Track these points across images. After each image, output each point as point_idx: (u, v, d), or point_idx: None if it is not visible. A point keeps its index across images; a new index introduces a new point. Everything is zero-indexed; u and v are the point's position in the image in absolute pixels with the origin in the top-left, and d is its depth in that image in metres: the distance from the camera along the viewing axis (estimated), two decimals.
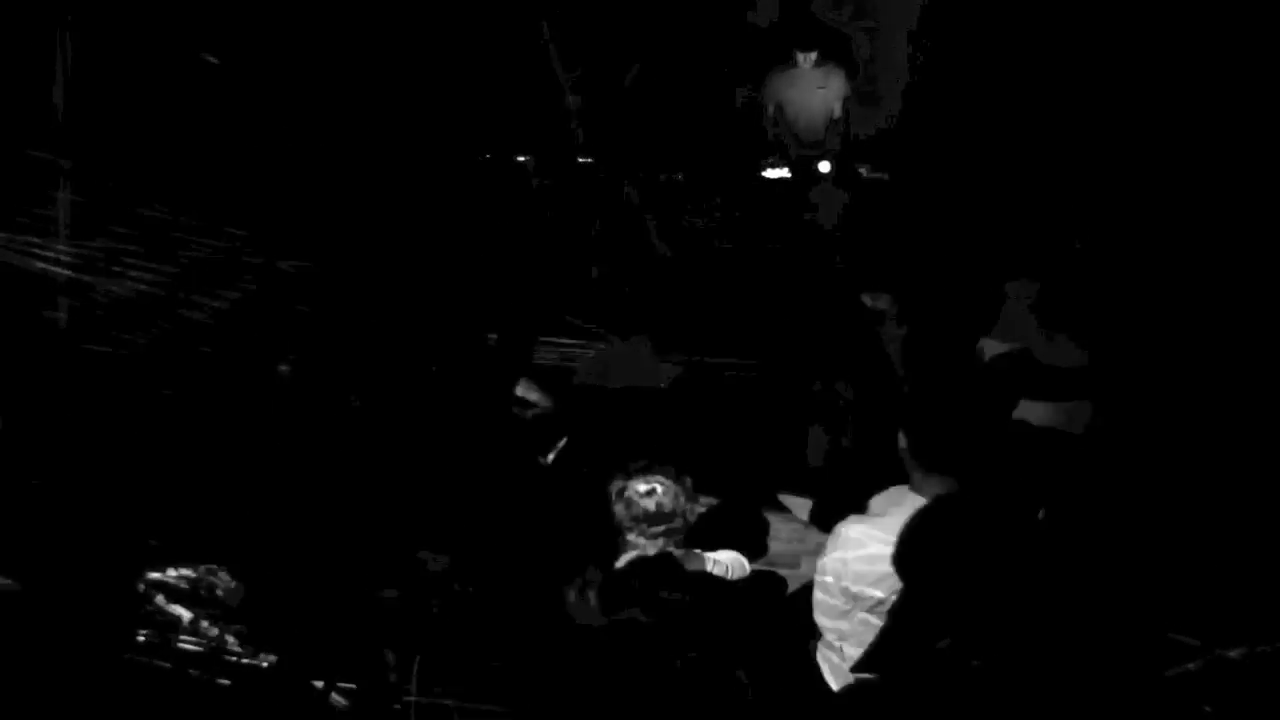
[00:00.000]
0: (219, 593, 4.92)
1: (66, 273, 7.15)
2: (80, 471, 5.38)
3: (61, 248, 7.18)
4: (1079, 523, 5.89)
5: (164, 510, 5.31)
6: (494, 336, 6.91)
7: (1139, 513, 5.74)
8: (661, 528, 4.68)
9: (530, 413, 6.34)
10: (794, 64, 8.53)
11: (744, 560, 4.99)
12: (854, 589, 4.48)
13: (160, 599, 4.90)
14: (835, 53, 8.64)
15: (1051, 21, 8.19)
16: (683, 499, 4.72)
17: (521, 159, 8.66)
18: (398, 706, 4.58)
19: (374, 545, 5.33)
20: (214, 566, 5.02)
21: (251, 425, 6.02)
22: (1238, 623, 5.00)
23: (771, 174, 8.75)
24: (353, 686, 4.68)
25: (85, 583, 4.95)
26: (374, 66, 8.16)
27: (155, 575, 4.93)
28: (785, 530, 6.16)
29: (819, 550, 4.64)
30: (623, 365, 6.56)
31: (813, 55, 8.47)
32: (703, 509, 5.02)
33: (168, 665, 4.71)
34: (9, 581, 4.76)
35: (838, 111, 8.60)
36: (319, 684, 4.64)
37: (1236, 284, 7.22)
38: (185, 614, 4.84)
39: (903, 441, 4.76)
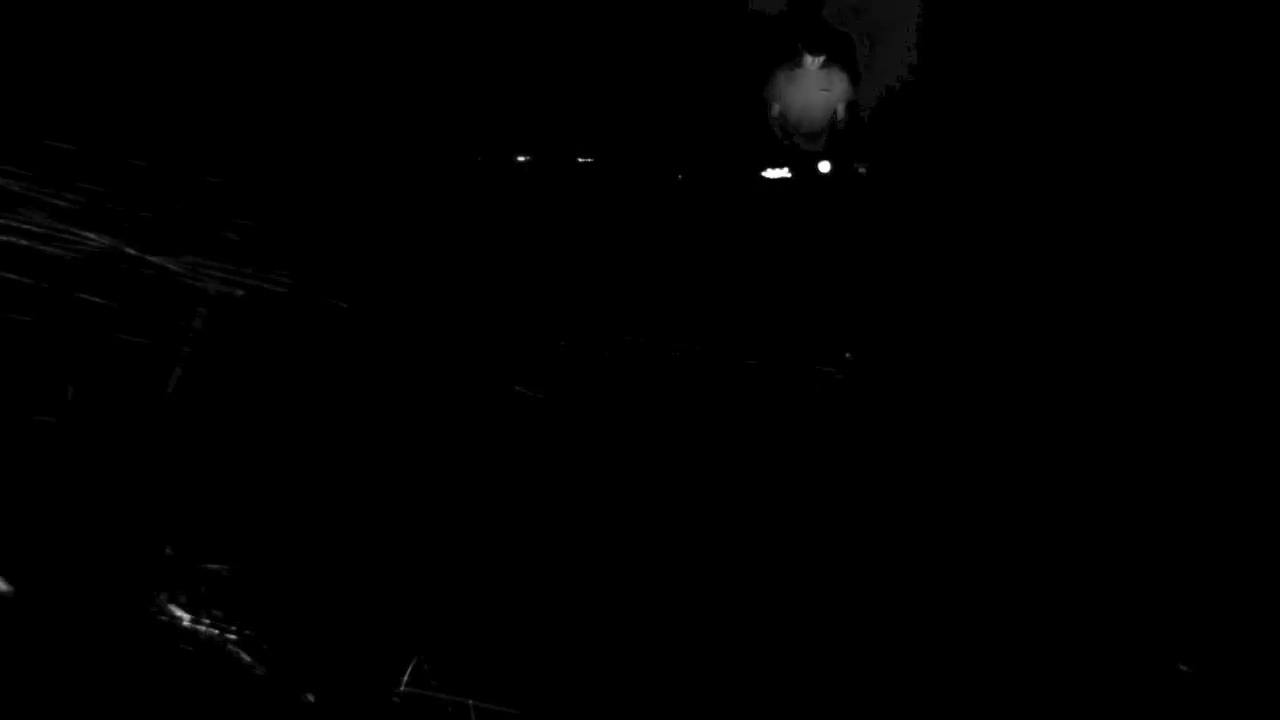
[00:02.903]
0: (219, 593, 4.92)
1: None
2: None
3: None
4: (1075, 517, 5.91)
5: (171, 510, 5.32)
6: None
7: (1135, 510, 5.75)
8: None
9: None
10: (799, 65, 8.54)
11: None
12: None
13: (162, 598, 4.90)
14: (840, 56, 8.65)
15: (1049, 23, 8.20)
16: None
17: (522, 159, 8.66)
18: (396, 700, 4.59)
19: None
20: (216, 567, 5.03)
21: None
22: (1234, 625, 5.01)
23: (771, 174, 8.76)
24: (350, 687, 4.68)
25: (88, 582, 4.95)
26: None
27: (157, 575, 4.93)
28: None
29: None
30: None
31: (820, 58, 8.49)
32: None
33: (168, 665, 4.72)
34: (6, 584, 4.77)
35: (840, 114, 8.63)
36: (316, 684, 4.65)
37: (1234, 284, 7.23)
38: (185, 614, 4.84)
39: None
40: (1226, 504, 6.29)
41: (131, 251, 7.07)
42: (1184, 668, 5.70)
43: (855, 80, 8.67)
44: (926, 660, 5.91)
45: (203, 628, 4.84)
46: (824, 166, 8.70)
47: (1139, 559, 6.17)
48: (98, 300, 6.79)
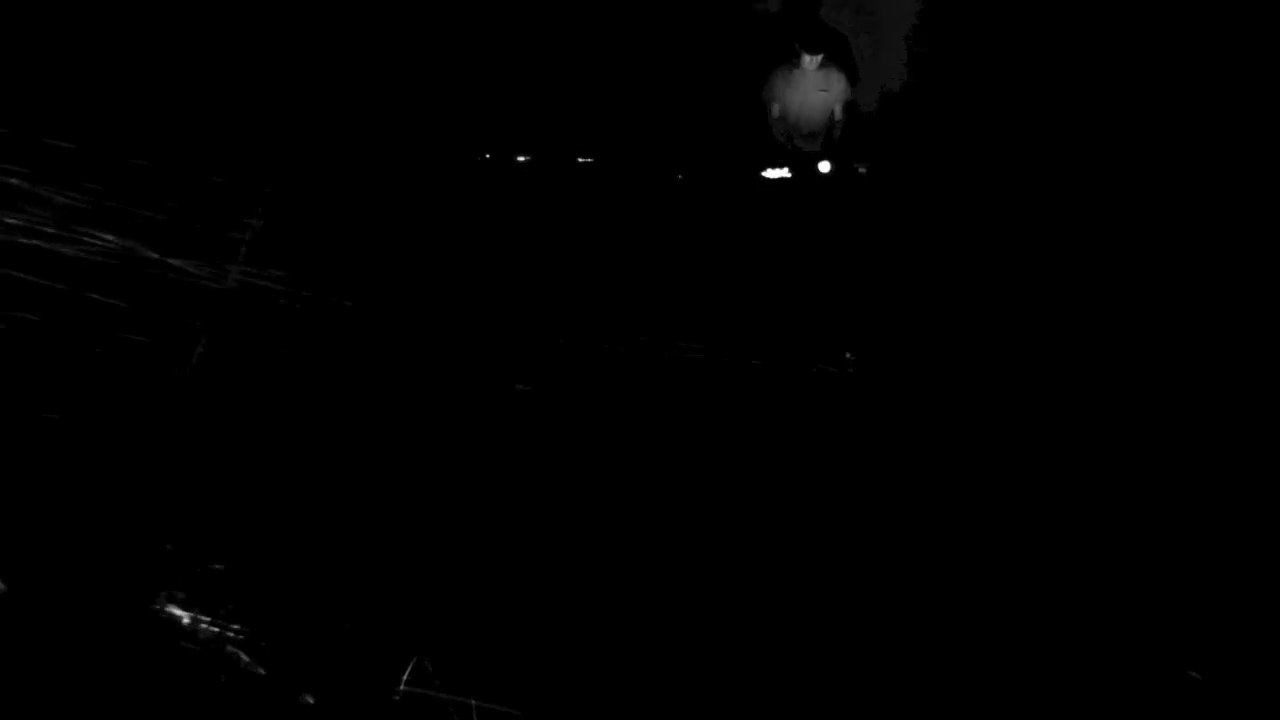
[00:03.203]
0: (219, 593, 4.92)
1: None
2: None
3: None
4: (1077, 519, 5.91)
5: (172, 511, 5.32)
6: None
7: (1136, 511, 5.75)
8: None
9: None
10: (797, 65, 8.54)
11: None
12: None
13: (161, 598, 4.90)
14: (837, 55, 8.67)
15: (1049, 19, 8.21)
16: None
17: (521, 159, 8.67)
18: (396, 700, 4.59)
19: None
20: (216, 567, 5.03)
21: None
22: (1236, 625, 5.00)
23: (771, 174, 8.76)
24: (350, 687, 4.68)
25: (88, 582, 4.95)
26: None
27: (157, 575, 4.94)
28: None
29: None
30: None
31: (818, 58, 8.49)
32: None
33: (168, 665, 4.72)
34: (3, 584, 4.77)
35: (839, 114, 8.64)
36: (316, 684, 4.65)
37: (1234, 284, 7.23)
38: (185, 614, 4.85)
39: None
40: (1237, 510, 6.29)
41: (143, 252, 7.09)
42: (1195, 674, 5.71)
43: (853, 80, 8.68)
44: (930, 662, 5.91)
45: (203, 628, 4.84)
46: (824, 166, 8.71)
47: (1149, 565, 6.17)
48: (107, 300, 6.81)
